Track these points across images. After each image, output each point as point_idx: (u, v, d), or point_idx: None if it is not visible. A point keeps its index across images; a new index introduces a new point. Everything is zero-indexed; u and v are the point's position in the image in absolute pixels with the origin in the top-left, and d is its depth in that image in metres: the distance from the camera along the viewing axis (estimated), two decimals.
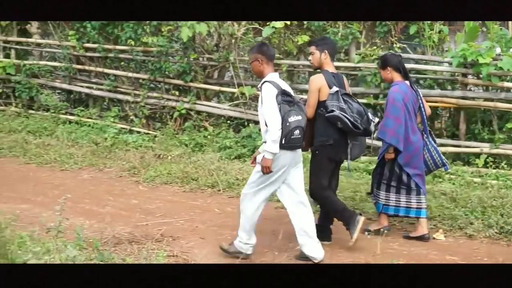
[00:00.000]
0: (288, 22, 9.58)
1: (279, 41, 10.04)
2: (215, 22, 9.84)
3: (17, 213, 6.61)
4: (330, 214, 6.51)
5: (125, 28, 10.59)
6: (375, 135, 6.73)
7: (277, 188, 5.97)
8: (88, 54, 11.25)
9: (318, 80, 6.36)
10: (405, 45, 9.79)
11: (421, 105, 6.79)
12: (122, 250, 6.07)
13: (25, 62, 11.90)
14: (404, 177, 6.64)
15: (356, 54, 9.52)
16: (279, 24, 9.39)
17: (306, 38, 9.57)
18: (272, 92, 5.76)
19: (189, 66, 10.27)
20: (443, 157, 6.88)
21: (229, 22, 9.87)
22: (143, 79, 10.80)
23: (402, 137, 6.50)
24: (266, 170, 5.80)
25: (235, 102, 10.16)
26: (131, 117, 10.90)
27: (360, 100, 8.25)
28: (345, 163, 6.79)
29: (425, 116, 6.82)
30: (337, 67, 8.12)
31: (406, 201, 6.71)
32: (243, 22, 9.93)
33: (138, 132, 10.72)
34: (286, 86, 5.94)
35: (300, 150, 5.97)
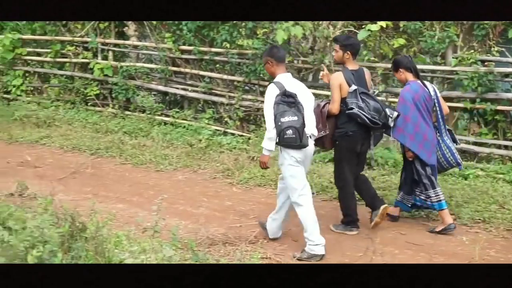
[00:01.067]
0: (384, 25, 10.78)
1: (374, 44, 11.49)
2: (310, 25, 11.25)
3: (114, 212, 7.48)
4: (341, 200, 8.27)
5: (220, 31, 12.26)
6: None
7: (306, 176, 7.49)
8: (184, 56, 13.07)
9: (337, 79, 8.01)
10: (503, 49, 10.76)
11: (437, 103, 8.28)
12: (216, 251, 7.08)
13: (122, 64, 13.90)
14: (429, 170, 8.23)
15: (452, 58, 10.83)
16: (375, 27, 10.67)
17: (402, 41, 10.95)
18: (272, 93, 7.22)
19: None
20: (458, 157, 8.36)
21: (324, 25, 11.30)
22: (238, 82, 12.50)
23: (411, 134, 8.09)
24: (263, 166, 7.52)
25: None
26: (225, 119, 12.58)
27: (456, 105, 10.55)
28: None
29: (439, 115, 8.33)
30: (433, 71, 10.71)
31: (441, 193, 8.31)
32: (339, 25, 11.39)
33: (232, 134, 12.34)
34: (293, 87, 7.30)
35: (309, 150, 7.38)
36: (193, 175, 10.62)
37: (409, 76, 8.25)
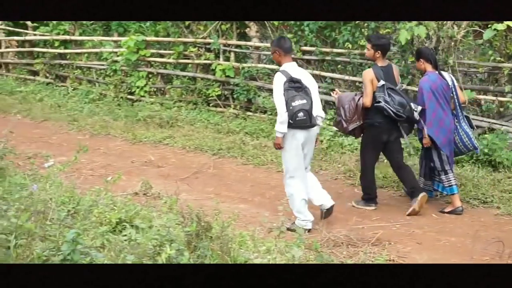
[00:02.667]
0: (511, 24, 10.63)
1: (500, 43, 11.32)
2: (434, 25, 11.17)
3: (236, 212, 7.85)
4: (362, 180, 9.37)
5: (342, 31, 12.33)
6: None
7: (303, 161, 8.31)
8: (305, 57, 13.19)
9: (368, 74, 9.05)
10: None
11: (454, 93, 9.12)
12: (339, 253, 7.20)
13: (244, 65, 14.09)
14: (445, 158, 9.05)
15: None
16: (501, 26, 10.44)
17: None
18: (280, 80, 8.10)
19: (407, 69, 11.71)
20: (475, 142, 9.22)
21: (449, 24, 11.15)
22: (360, 82, 12.15)
23: (428, 122, 8.91)
24: (277, 147, 8.33)
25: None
26: None
27: None
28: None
29: (457, 103, 9.12)
30: None
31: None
32: (463, 24, 11.26)
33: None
34: (297, 74, 8.21)
35: (314, 130, 8.32)
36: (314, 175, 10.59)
37: (428, 67, 9.08)
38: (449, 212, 8.99)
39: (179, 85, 15.18)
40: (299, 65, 12.98)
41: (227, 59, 14.41)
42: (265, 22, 13.77)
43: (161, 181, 9.91)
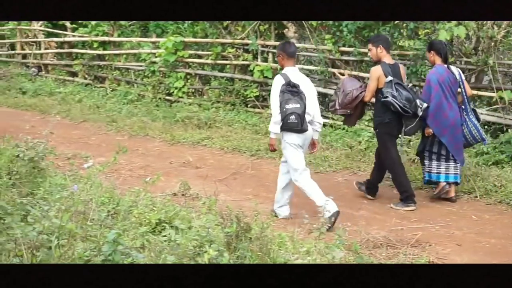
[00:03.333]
0: None
1: None
2: (474, 25, 11.11)
3: (271, 214, 8.10)
4: (394, 180, 9.50)
5: (381, 32, 12.23)
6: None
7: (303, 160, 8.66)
8: (344, 57, 13.20)
9: (376, 71, 9.24)
10: None
11: (462, 86, 9.41)
12: (379, 254, 7.20)
13: None
14: (443, 148, 9.37)
15: None
16: None
17: None
18: (279, 83, 8.46)
19: None
20: (483, 133, 9.54)
21: (489, 24, 11.11)
22: None
23: (432, 113, 9.17)
24: (271, 148, 8.84)
25: (493, 107, 11.48)
26: None
27: None
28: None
29: (465, 96, 9.44)
30: None
31: (446, 168, 9.43)
32: (504, 24, 11.23)
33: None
34: (297, 79, 8.50)
35: (309, 134, 8.55)
36: (352, 177, 10.64)
37: (437, 60, 9.36)
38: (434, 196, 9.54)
39: (217, 86, 15.29)
40: (338, 66, 13.21)
41: (265, 60, 14.45)
42: (304, 22, 13.77)
43: (200, 182, 9.94)
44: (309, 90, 8.61)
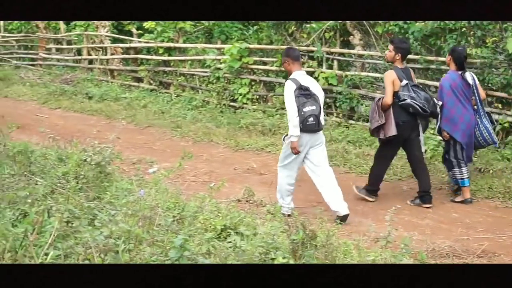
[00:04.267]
0: None
1: None
2: None
3: (336, 221, 8.10)
4: (372, 170, 10.00)
5: (448, 40, 12.13)
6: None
7: (300, 163, 9.06)
8: (410, 65, 12.69)
9: (390, 75, 9.59)
10: None
11: (475, 91, 9.72)
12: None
13: (347, 73, 14.05)
14: (460, 152, 9.74)
15: None
16: None
17: None
18: (291, 88, 8.79)
19: None
20: (494, 136, 9.87)
21: None
22: None
23: (446, 117, 9.67)
24: (295, 151, 8.90)
25: None
26: None
27: None
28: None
29: (478, 100, 9.76)
30: None
31: (466, 172, 9.83)
32: None
33: None
34: (306, 82, 8.87)
35: (319, 133, 8.95)
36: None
37: (452, 66, 9.82)
38: (458, 202, 9.78)
39: (281, 92, 15.19)
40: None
41: (330, 67, 14.39)
42: (370, 30, 13.74)
43: (263, 188, 9.96)
44: (318, 91, 9.00)
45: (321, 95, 8.97)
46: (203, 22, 19.23)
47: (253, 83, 15.74)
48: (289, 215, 8.57)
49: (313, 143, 8.95)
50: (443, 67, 12.39)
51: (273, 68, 15.31)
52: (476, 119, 9.72)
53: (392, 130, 9.48)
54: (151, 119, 15.50)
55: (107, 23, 21.15)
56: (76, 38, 22.17)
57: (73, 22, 22.99)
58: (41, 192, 6.51)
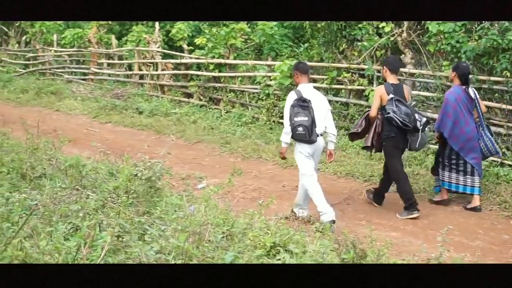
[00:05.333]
0: None
1: None
2: None
3: (388, 240, 7.70)
4: (399, 190, 10.15)
5: (501, 59, 12.01)
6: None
7: (314, 166, 9.56)
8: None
9: (379, 90, 10.24)
10: None
11: (477, 105, 10.29)
12: None
13: None
14: (461, 161, 10.33)
15: None
16: None
17: None
18: (291, 97, 9.45)
19: None
20: (497, 147, 10.44)
21: None
22: None
23: (449, 128, 10.26)
24: (281, 156, 9.82)
25: None
26: (503, 150, 12.14)
27: None
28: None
29: (480, 113, 10.33)
30: None
31: (463, 180, 10.34)
32: None
33: (510, 165, 11.91)
34: (309, 95, 9.41)
35: (320, 144, 9.48)
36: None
37: (456, 81, 10.40)
38: (436, 202, 10.60)
39: (331, 110, 15.17)
40: (496, 99, 13.02)
41: (381, 85, 14.20)
42: (421, 48, 13.68)
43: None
44: (321, 104, 9.56)
45: (323, 108, 9.54)
46: (254, 39, 19.32)
47: None
48: (333, 222, 8.96)
49: (316, 153, 9.58)
50: (496, 86, 12.37)
51: (323, 85, 15.25)
52: (480, 131, 10.32)
53: (367, 142, 10.25)
54: (200, 135, 15.58)
55: (159, 39, 21.40)
56: (128, 53, 22.43)
57: (125, 38, 23.30)
58: (92, 206, 6.61)
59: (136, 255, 5.09)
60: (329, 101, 15.19)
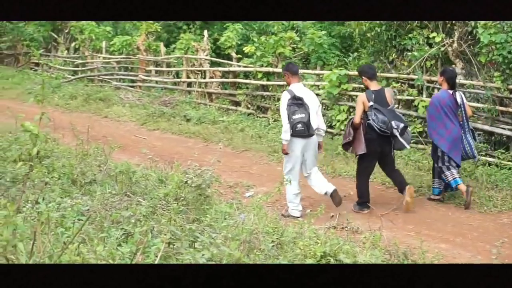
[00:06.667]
0: None
1: None
2: None
3: (437, 252, 7.68)
4: (358, 186, 10.94)
5: None
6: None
7: (300, 164, 10.40)
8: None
9: (361, 97, 10.90)
10: None
11: (463, 108, 10.97)
12: None
13: None
14: (446, 158, 10.90)
15: None
16: None
17: None
18: (285, 97, 10.30)
19: None
20: (475, 151, 11.13)
21: None
22: None
23: (434, 130, 11.05)
24: (283, 152, 10.46)
25: None
26: None
27: None
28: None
29: (465, 117, 11.01)
30: None
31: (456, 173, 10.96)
32: None
33: None
34: (301, 93, 10.31)
35: (312, 139, 10.35)
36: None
37: (444, 85, 11.09)
38: (467, 197, 10.77)
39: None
40: (506, 105, 13.00)
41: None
42: (472, 59, 13.58)
43: (360, 215, 10.00)
44: (312, 102, 10.44)
45: (314, 104, 10.45)
46: (302, 47, 19.36)
47: (351, 109, 15.65)
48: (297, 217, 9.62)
49: (307, 147, 10.39)
50: None
51: None
52: (461, 134, 10.94)
53: (360, 149, 10.63)
54: (248, 143, 15.67)
55: (207, 46, 21.53)
56: (176, 61, 22.59)
57: (174, 45, 23.47)
58: (143, 212, 6.67)
59: (187, 262, 5.12)
60: None
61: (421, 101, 14.00)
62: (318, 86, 16.39)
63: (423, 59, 14.21)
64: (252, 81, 18.70)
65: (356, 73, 15.76)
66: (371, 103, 10.55)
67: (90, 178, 8.67)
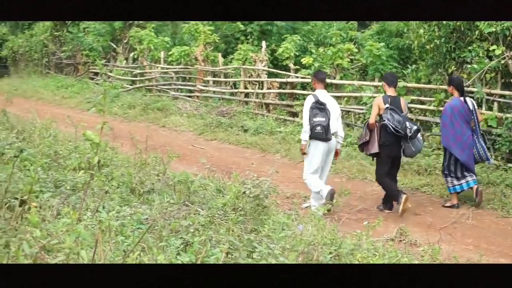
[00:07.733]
0: None
1: None
2: None
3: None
4: (387, 190, 11.23)
5: None
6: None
7: (320, 165, 10.94)
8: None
9: (377, 100, 11.53)
10: None
11: (475, 115, 11.51)
12: None
13: (508, 115, 13.55)
14: (459, 164, 11.42)
15: None
16: None
17: None
18: (310, 100, 10.98)
19: None
20: (488, 154, 11.64)
21: None
22: None
23: (447, 136, 11.54)
24: (301, 152, 11.16)
25: None
26: None
27: None
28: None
29: (477, 122, 11.54)
30: None
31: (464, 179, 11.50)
32: None
33: None
34: (324, 98, 10.99)
35: (333, 143, 10.95)
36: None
37: (455, 93, 11.63)
38: (447, 207, 11.49)
39: (438, 133, 15.01)
40: None
41: (490, 108, 14.05)
42: None
43: (418, 228, 9.90)
44: (334, 109, 11.11)
45: (336, 111, 11.11)
46: (360, 59, 19.32)
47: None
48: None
49: (329, 151, 10.99)
50: None
51: (431, 107, 15.14)
52: (474, 139, 11.43)
53: (373, 148, 11.19)
54: None
55: (265, 57, 21.62)
56: (233, 72, 22.72)
57: (231, 56, 23.60)
58: (201, 222, 6.73)
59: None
60: (436, 124, 15.25)
61: (481, 113, 13.82)
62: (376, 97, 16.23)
63: (483, 71, 14.05)
64: (310, 92, 18.56)
65: (415, 85, 15.81)
66: (387, 105, 11.06)
67: (148, 187, 8.77)
